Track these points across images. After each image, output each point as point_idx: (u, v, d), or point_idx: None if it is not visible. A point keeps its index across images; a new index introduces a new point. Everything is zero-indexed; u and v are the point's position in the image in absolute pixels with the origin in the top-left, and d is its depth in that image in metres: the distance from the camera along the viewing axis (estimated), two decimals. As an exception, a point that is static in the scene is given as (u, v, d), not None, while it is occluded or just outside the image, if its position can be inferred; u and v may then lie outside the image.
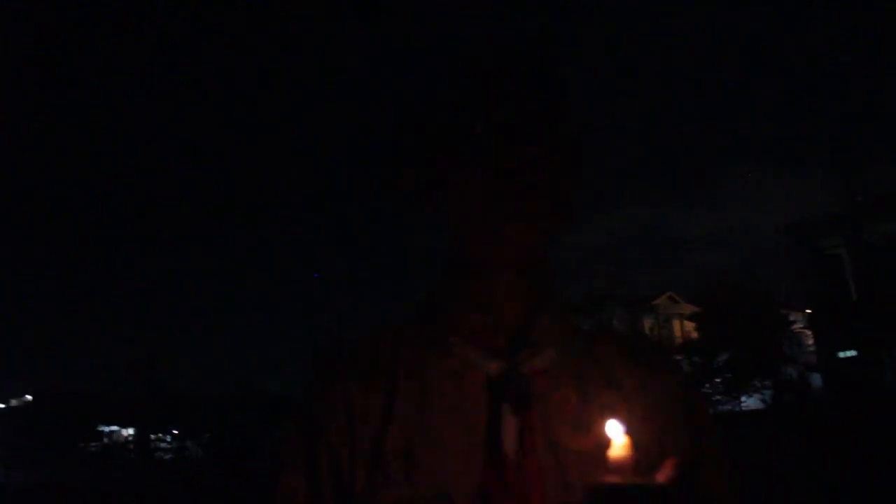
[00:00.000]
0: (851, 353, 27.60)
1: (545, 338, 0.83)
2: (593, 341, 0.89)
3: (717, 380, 34.44)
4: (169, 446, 49.02)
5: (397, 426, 0.79)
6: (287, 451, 0.84)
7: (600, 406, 0.79)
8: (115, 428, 54.45)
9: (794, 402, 28.33)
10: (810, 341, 33.06)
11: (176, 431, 48.70)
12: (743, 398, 34.35)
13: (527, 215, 0.78)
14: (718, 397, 34.85)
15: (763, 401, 33.11)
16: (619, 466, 0.61)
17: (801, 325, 34.94)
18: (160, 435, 49.33)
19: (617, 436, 0.62)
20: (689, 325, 42.19)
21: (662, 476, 0.61)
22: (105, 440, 52.66)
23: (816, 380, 30.34)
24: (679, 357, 35.32)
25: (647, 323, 44.16)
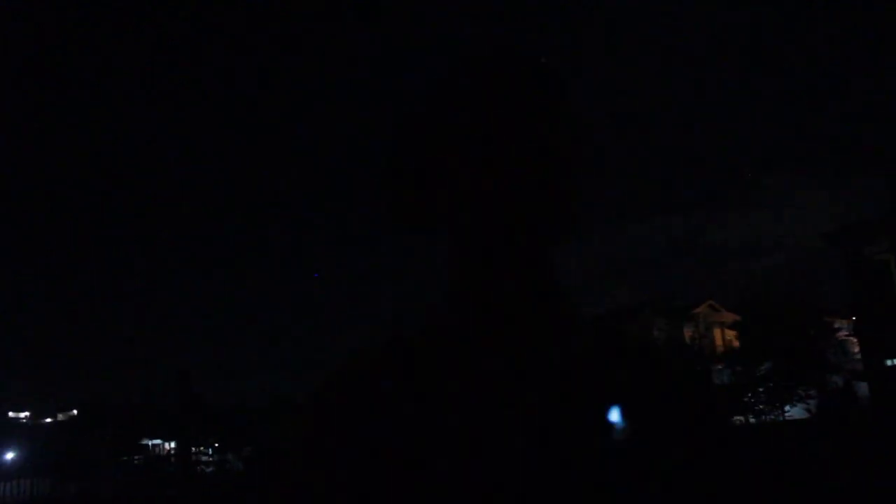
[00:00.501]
0: (899, 360, 26.92)
1: None
2: (595, 343, 0.88)
3: (760, 389, 33.84)
4: (210, 460, 49.63)
5: (406, 426, 0.79)
6: (296, 448, 0.85)
7: (596, 405, 0.78)
8: (157, 441, 55.28)
9: (840, 411, 27.69)
10: (856, 349, 32.34)
11: (217, 445, 49.29)
12: (787, 407, 33.69)
13: (528, 216, 0.78)
14: (761, 406, 34.25)
15: (807, 410, 32.44)
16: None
17: (846, 333, 34.21)
18: (202, 448, 49.96)
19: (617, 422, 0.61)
20: (731, 334, 41.55)
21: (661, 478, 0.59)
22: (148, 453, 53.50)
23: (863, 388, 29.65)
24: (720, 366, 34.84)
25: (688, 332, 43.54)
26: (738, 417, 33.72)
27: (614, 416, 0.61)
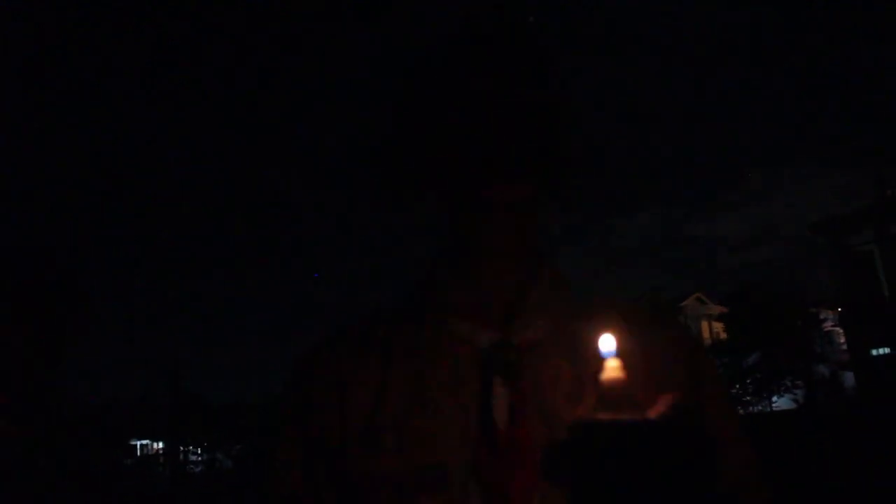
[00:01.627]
0: (885, 350, 27.18)
1: (538, 309, 0.82)
2: (592, 309, 0.86)
3: (748, 380, 34.10)
4: (199, 459, 49.53)
5: (390, 400, 0.79)
6: (280, 424, 0.85)
7: (593, 374, 0.77)
8: (146, 441, 55.08)
9: (827, 401, 27.97)
10: (842, 339, 32.64)
11: (206, 444, 49.17)
12: (774, 398, 33.98)
13: (516, 177, 0.77)
14: (749, 398, 34.52)
15: (795, 401, 32.74)
16: (610, 389, 0.56)
17: (832, 324, 34.53)
18: (191, 448, 49.85)
19: (609, 353, 0.58)
20: (718, 326, 41.87)
21: (654, 412, 0.55)
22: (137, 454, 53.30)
23: (849, 378, 29.93)
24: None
25: (675, 325, 43.66)
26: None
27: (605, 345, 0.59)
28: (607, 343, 0.59)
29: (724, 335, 37.55)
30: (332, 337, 0.88)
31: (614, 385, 0.57)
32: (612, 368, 0.57)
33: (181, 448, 48.69)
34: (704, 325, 47.28)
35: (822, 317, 34.39)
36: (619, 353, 0.58)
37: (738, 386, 34.18)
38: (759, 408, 34.59)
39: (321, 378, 0.83)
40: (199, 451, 50.32)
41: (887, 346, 27.01)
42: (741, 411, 34.59)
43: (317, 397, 0.82)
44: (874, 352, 27.59)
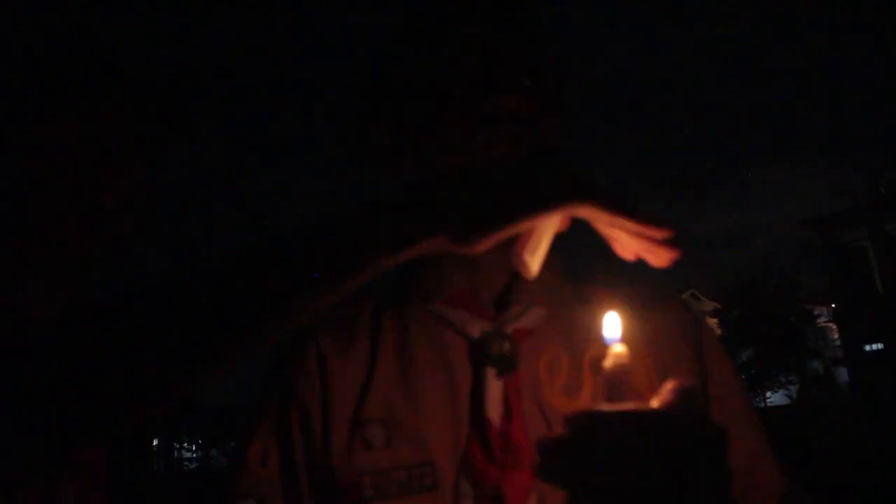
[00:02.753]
0: (878, 346, 27.22)
1: (532, 296, 0.78)
2: (589, 291, 0.83)
3: (742, 376, 34.13)
4: (193, 456, 49.37)
5: (378, 391, 0.75)
6: (258, 414, 0.80)
7: (591, 361, 0.74)
8: (140, 439, 54.88)
9: (821, 396, 28.01)
10: (835, 335, 32.71)
11: (200, 441, 49.00)
12: (768, 394, 34.04)
13: (507, 139, 0.74)
14: (743, 394, 34.55)
15: (788, 396, 32.80)
16: (615, 377, 0.52)
17: (826, 320, 34.58)
18: (185, 445, 49.68)
19: (614, 339, 0.54)
20: (712, 322, 41.90)
21: (660, 401, 0.50)
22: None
23: (843, 374, 30.00)
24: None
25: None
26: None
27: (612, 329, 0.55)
28: (612, 328, 0.55)
29: (718, 331, 37.58)
30: (316, 323, 0.81)
31: (619, 373, 0.52)
32: (617, 355, 0.53)
33: (175, 445, 48.55)
34: (699, 321, 47.36)
35: (815, 313, 34.42)
36: (624, 338, 0.54)
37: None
38: (754, 403, 34.64)
39: (303, 368, 0.78)
40: (194, 449, 50.13)
41: (881, 342, 27.04)
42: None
43: (298, 388, 0.77)
44: (868, 348, 27.61)
